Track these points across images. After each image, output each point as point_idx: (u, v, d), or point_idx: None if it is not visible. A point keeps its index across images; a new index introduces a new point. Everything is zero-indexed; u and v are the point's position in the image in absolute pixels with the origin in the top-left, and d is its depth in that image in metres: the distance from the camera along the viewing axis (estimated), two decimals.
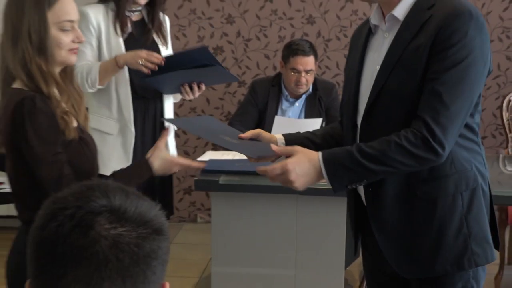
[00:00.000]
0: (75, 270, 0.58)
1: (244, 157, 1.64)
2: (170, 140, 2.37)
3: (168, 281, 0.62)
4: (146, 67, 2.09)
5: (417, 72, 1.20)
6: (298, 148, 1.26)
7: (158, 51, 2.28)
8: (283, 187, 1.70)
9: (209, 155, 2.56)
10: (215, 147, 3.02)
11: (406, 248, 1.34)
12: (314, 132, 1.57)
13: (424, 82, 1.19)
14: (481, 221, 1.33)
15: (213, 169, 2.24)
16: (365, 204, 1.37)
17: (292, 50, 2.68)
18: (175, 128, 2.53)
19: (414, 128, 1.18)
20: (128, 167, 1.52)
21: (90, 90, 2.15)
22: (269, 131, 2.42)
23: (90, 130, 1.86)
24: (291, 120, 2.71)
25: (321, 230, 2.29)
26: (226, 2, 3.32)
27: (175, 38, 3.21)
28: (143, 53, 2.11)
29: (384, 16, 1.29)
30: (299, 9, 3.29)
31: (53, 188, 1.20)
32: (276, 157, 1.37)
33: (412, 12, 1.24)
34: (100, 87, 2.15)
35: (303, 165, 1.22)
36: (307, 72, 2.65)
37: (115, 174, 1.42)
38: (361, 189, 1.38)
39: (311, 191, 1.89)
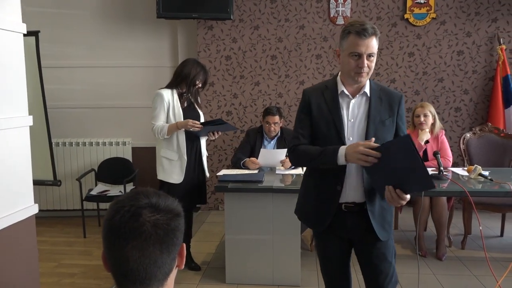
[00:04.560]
0: (133, 241, 0.82)
1: (242, 172, 2.85)
2: (204, 159, 3.15)
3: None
4: (192, 128, 2.92)
5: (388, 125, 1.74)
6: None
7: (198, 113, 3.11)
8: (262, 189, 2.84)
9: (223, 172, 3.34)
10: (229, 167, 3.97)
11: (382, 223, 1.81)
12: None
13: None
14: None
15: (226, 179, 3.05)
16: (363, 200, 1.75)
17: (267, 112, 3.64)
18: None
19: None
20: None
21: (160, 138, 2.98)
22: (257, 157, 3.46)
23: (161, 158, 3.00)
24: (269, 150, 3.57)
25: (286, 212, 2.90)
26: (233, 87, 4.76)
27: (204, 107, 4.65)
28: (190, 122, 2.91)
29: (346, 89, 1.77)
30: (274, 89, 4.77)
31: None
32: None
33: (372, 91, 1.78)
34: (167, 137, 2.97)
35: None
36: (274, 124, 3.60)
37: None
38: (358, 189, 1.75)
39: (282, 190, 2.93)
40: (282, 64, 4.77)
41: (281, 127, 3.73)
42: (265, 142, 3.73)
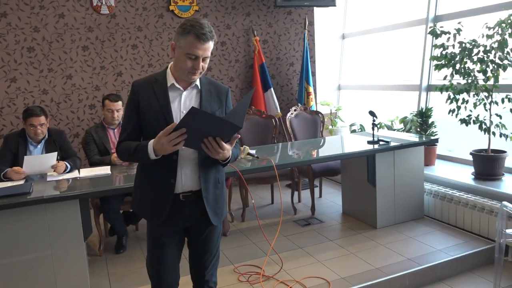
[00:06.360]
0: None
1: (3, 185, 2.57)
2: None
3: None
4: None
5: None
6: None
7: None
8: (31, 201, 2.56)
9: None
10: None
11: (215, 209, 1.92)
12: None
13: None
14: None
15: None
16: (197, 189, 1.84)
17: (28, 113, 3.28)
18: None
19: None
20: None
21: None
22: (22, 166, 3.06)
23: None
24: (36, 156, 3.25)
25: (65, 222, 2.74)
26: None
27: None
28: None
29: (176, 81, 1.83)
30: (36, 85, 4.28)
31: None
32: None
33: (202, 84, 1.87)
34: None
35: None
36: (41, 125, 3.30)
37: None
38: (194, 178, 1.84)
39: (58, 198, 2.70)
40: (42, 57, 4.27)
41: (48, 128, 3.43)
42: (31, 147, 3.38)
